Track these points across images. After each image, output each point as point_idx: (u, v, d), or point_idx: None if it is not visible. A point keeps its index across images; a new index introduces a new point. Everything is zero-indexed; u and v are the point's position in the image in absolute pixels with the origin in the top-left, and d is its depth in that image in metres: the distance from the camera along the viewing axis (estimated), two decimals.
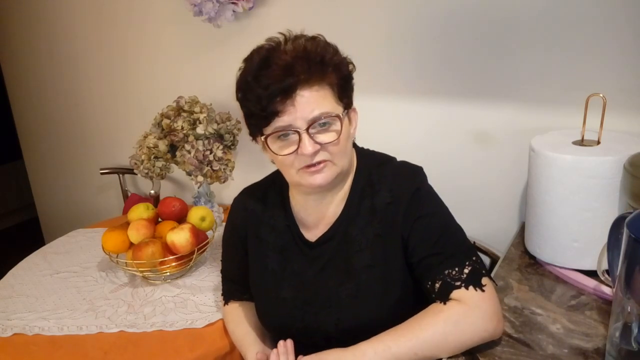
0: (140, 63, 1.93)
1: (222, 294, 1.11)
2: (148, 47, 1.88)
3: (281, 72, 0.80)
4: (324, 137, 0.83)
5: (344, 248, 0.92)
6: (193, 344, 1.06)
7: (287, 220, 0.98)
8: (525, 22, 1.17)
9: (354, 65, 0.89)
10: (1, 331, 1.12)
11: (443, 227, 0.87)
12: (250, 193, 1.05)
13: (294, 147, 0.83)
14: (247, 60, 0.86)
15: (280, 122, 0.82)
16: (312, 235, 0.96)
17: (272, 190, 1.02)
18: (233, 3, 1.51)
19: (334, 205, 0.94)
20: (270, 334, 1.01)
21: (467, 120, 1.33)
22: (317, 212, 0.95)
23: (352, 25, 1.40)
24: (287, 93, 0.80)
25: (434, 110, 1.37)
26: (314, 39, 0.86)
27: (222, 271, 1.12)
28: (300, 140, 0.81)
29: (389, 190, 0.90)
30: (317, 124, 0.82)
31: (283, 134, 0.83)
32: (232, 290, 1.09)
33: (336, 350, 0.81)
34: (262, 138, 0.86)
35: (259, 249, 1.00)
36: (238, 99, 0.88)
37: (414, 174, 0.92)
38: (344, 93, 0.87)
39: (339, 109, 0.85)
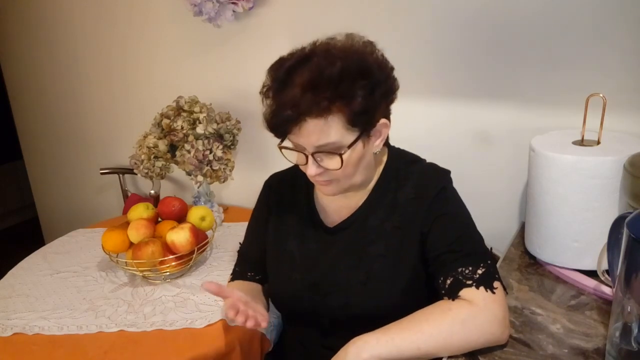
0: (140, 63, 1.93)
1: (232, 274, 1.14)
2: (148, 47, 1.88)
3: (290, 100, 0.80)
4: (328, 163, 0.85)
5: (359, 236, 0.94)
6: (193, 343, 1.06)
7: (309, 206, 1.02)
8: (525, 22, 1.17)
9: (389, 84, 0.88)
10: (1, 331, 1.12)
11: (463, 227, 0.89)
12: (279, 177, 1.10)
13: (302, 162, 0.88)
14: (272, 70, 0.86)
15: (290, 139, 0.86)
16: (331, 221, 0.99)
17: (299, 176, 1.04)
18: (233, 3, 1.52)
19: (357, 198, 0.97)
20: (281, 313, 1.05)
21: (467, 120, 1.33)
22: (340, 201, 0.98)
23: (353, 26, 1.39)
24: (293, 121, 0.82)
25: (433, 110, 1.37)
26: (341, 58, 0.81)
27: (239, 250, 1.16)
28: (307, 159, 0.85)
29: (414, 186, 0.92)
30: (323, 149, 0.84)
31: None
32: (245, 269, 1.12)
33: (342, 349, 0.82)
34: (277, 145, 0.89)
35: (279, 230, 1.04)
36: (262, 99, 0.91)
37: (441, 174, 0.95)
38: (360, 118, 0.83)
39: (347, 138, 0.83)
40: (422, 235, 0.89)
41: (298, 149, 0.86)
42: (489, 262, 0.84)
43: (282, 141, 0.88)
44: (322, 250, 0.98)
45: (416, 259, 0.90)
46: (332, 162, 0.85)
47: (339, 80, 0.80)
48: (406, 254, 0.90)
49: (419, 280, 0.91)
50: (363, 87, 0.82)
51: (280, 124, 0.83)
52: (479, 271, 0.82)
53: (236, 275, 1.13)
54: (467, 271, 0.82)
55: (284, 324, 1.14)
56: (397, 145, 1.02)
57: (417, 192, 0.91)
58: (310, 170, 0.85)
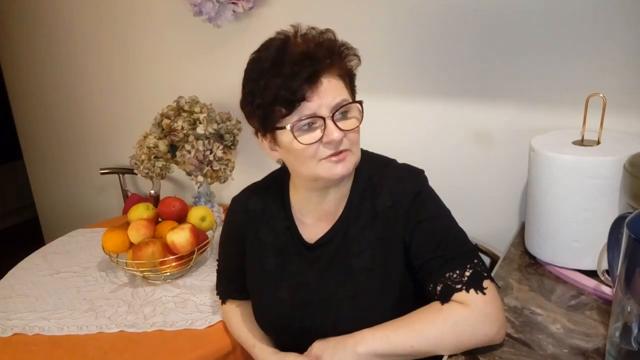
0: (140, 63, 1.93)
1: (218, 294, 1.10)
2: (148, 47, 1.88)
3: (303, 58, 0.80)
4: (346, 125, 0.83)
5: (343, 249, 0.92)
6: (193, 344, 1.06)
7: (287, 221, 0.97)
8: (525, 21, 1.17)
9: (359, 59, 0.89)
10: (1, 331, 1.12)
11: (444, 230, 0.87)
12: (251, 192, 1.04)
13: (318, 136, 0.81)
14: (261, 50, 0.85)
15: (305, 109, 0.80)
16: (312, 236, 0.95)
17: (274, 190, 1.01)
18: (233, 3, 1.52)
19: (335, 205, 0.94)
20: (268, 335, 1.00)
21: (467, 120, 1.33)
22: (318, 211, 0.95)
23: (352, 25, 1.40)
24: (312, 79, 0.79)
25: (433, 110, 1.37)
26: (323, 32, 0.86)
27: (218, 270, 1.11)
28: (325, 127, 0.81)
29: (390, 193, 0.90)
30: (338, 112, 0.82)
31: (307, 123, 0.81)
32: (230, 290, 1.08)
33: (340, 337, 0.84)
34: (289, 127, 0.81)
35: (257, 250, 0.99)
36: (249, 90, 0.86)
37: (414, 177, 0.92)
38: (353, 87, 0.89)
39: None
40: (405, 244, 0.88)
41: (312, 117, 0.80)
42: (475, 261, 0.83)
43: (288, 114, 0.81)
44: (306, 267, 0.94)
45: (402, 268, 0.89)
46: (349, 123, 0.83)
47: (335, 41, 0.86)
48: (392, 264, 0.89)
49: (408, 289, 0.90)
50: (355, 52, 0.88)
51: (300, 84, 0.78)
52: (467, 273, 0.81)
53: (225, 295, 1.08)
54: (454, 275, 0.82)
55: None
56: (396, 147, 1.01)
57: (394, 200, 0.89)
58: (334, 134, 0.80)
